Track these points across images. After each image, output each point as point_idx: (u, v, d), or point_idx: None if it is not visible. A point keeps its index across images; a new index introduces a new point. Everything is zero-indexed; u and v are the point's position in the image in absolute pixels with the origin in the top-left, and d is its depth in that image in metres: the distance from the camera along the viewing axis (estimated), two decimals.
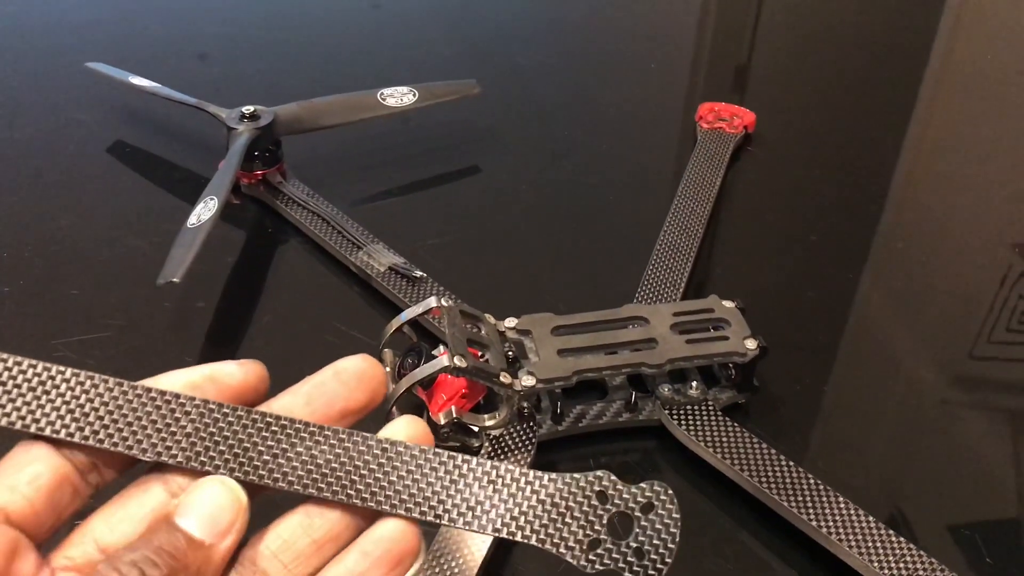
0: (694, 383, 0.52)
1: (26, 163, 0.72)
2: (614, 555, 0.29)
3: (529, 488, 0.30)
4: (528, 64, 0.88)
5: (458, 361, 0.47)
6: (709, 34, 0.96)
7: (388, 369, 0.50)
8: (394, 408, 0.48)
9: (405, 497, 0.29)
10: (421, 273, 0.59)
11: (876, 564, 0.44)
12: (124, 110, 0.77)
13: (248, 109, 0.65)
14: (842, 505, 0.46)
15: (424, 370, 0.47)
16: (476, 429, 0.49)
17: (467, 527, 0.30)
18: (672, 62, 0.90)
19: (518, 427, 0.50)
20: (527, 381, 0.49)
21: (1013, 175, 0.76)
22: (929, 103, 0.85)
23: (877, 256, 0.68)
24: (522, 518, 0.29)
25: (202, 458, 0.29)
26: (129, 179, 0.71)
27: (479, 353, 0.50)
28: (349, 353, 0.53)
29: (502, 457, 0.49)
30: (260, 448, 0.29)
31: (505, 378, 0.49)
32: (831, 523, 0.45)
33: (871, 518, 0.46)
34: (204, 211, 0.57)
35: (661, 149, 0.77)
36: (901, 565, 0.44)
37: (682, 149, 0.74)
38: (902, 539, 0.45)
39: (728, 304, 0.54)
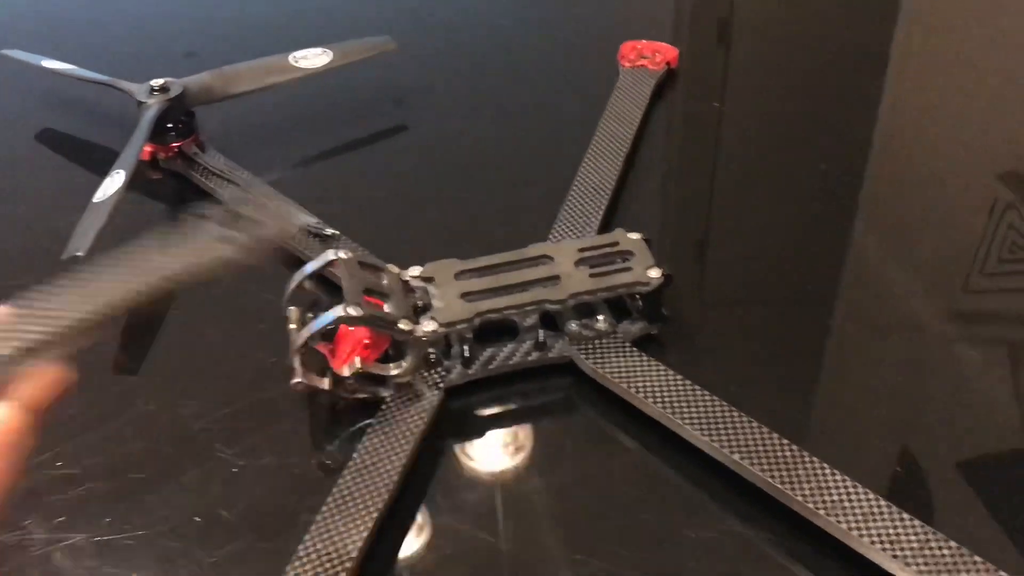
0: (601, 317, 0.51)
1: None
2: None
3: None
4: (448, 16, 0.86)
5: (352, 310, 0.47)
6: None
7: (294, 326, 0.50)
8: (297, 361, 0.48)
9: None
10: (333, 231, 0.59)
11: (787, 484, 0.44)
12: (49, 95, 0.76)
13: (157, 82, 0.65)
14: (747, 425, 0.46)
15: (319, 322, 0.47)
16: (384, 378, 0.49)
17: None
18: (596, 2, 0.89)
19: (426, 373, 0.50)
20: (428, 327, 0.49)
21: (996, 104, 0.75)
22: (906, 35, 0.84)
23: (805, 186, 0.67)
24: None
25: None
26: (52, 162, 0.71)
27: (382, 303, 0.50)
28: (263, 316, 0.54)
29: (407, 406, 0.48)
30: None
31: (405, 324, 0.48)
32: (737, 444, 0.45)
33: (781, 438, 0.45)
34: (111, 185, 0.57)
35: (586, 93, 0.75)
36: (809, 479, 0.44)
37: (607, 92, 0.73)
38: (810, 455, 0.45)
39: (634, 236, 0.53)
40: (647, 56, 0.73)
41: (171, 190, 0.66)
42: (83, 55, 0.73)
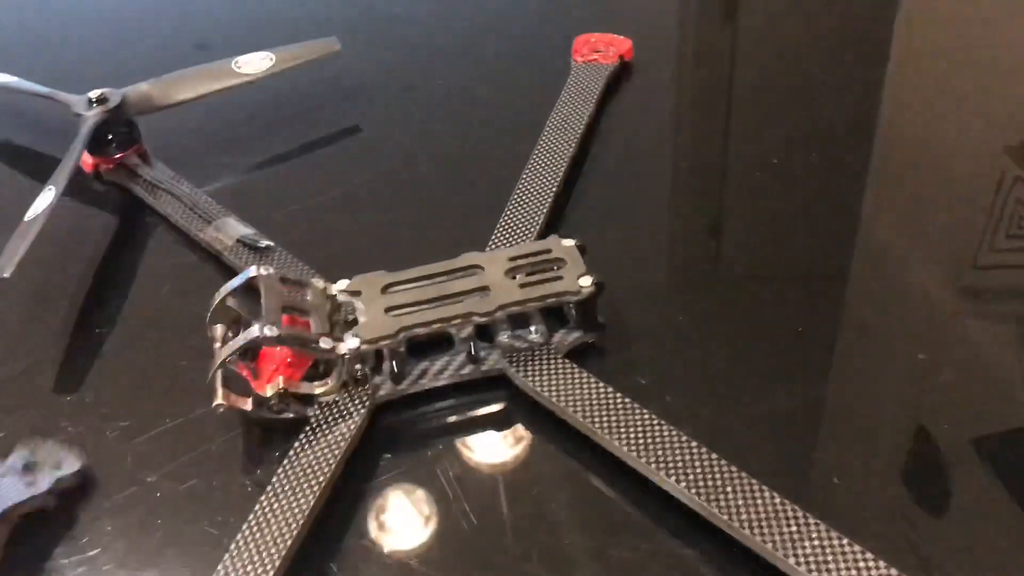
0: (533, 328, 0.50)
1: None
2: None
3: None
4: (401, 13, 0.84)
5: (268, 330, 0.46)
6: None
7: (218, 344, 0.49)
8: (217, 383, 0.47)
9: None
10: (268, 243, 0.57)
11: (713, 502, 0.42)
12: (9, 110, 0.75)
13: (95, 93, 0.64)
14: (677, 440, 0.44)
15: (234, 344, 0.46)
16: (310, 398, 0.48)
17: None
18: None
19: (354, 390, 0.49)
20: (350, 344, 0.48)
21: (1004, 76, 0.72)
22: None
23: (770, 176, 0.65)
24: None
25: None
26: (3, 179, 0.70)
27: (306, 320, 0.49)
28: (196, 333, 0.53)
29: (331, 425, 0.47)
30: None
31: (325, 343, 0.47)
32: (664, 460, 0.44)
33: (711, 453, 0.44)
34: (41, 202, 0.56)
35: (541, 92, 0.73)
36: (736, 495, 0.42)
37: (560, 88, 0.71)
38: (739, 471, 0.43)
39: (568, 243, 0.52)
40: (600, 50, 0.71)
41: (115, 203, 0.65)
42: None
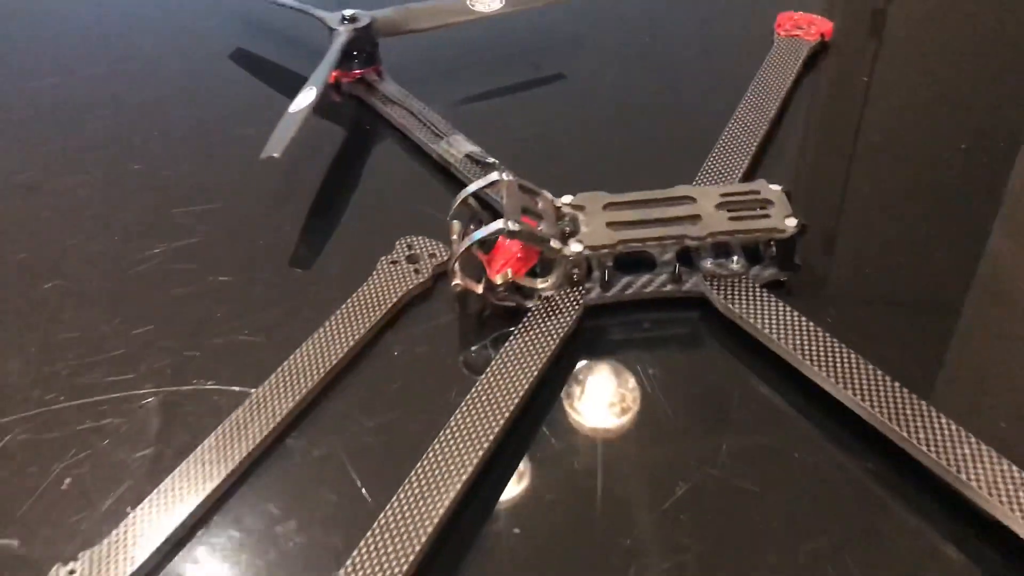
0: (736, 258, 0.55)
1: (149, 65, 0.81)
2: None
3: None
4: None
5: (511, 225, 0.52)
6: None
7: (455, 237, 0.56)
8: (456, 266, 0.53)
9: None
10: (494, 160, 0.64)
11: (901, 426, 0.46)
12: (244, 19, 0.84)
13: (348, 12, 0.71)
14: (866, 369, 0.49)
15: (482, 231, 0.52)
16: (530, 291, 0.55)
17: None
18: None
19: (568, 291, 0.55)
20: (575, 247, 0.54)
21: None
22: None
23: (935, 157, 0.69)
24: None
25: None
26: (244, 80, 0.79)
27: (536, 223, 0.55)
28: (430, 227, 0.60)
29: (550, 316, 0.54)
30: None
31: (555, 243, 0.54)
32: (856, 386, 0.48)
33: (895, 383, 0.48)
34: (304, 98, 0.64)
35: (739, 58, 0.78)
36: (927, 428, 0.46)
37: (759, 57, 0.76)
38: (926, 403, 0.47)
39: (775, 188, 0.57)
40: (802, 27, 0.76)
41: (351, 112, 0.73)
42: None
